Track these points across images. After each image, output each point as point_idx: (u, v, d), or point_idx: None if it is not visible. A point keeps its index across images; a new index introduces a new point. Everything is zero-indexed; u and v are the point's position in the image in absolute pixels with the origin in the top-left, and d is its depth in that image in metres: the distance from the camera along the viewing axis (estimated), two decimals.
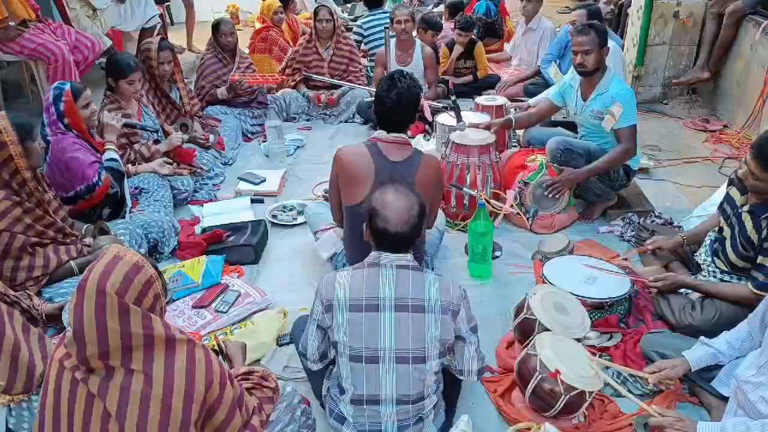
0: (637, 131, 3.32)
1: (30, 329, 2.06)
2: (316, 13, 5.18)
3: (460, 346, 1.98)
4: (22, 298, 2.32)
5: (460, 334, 1.95)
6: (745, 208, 2.40)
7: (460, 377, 2.03)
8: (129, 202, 3.32)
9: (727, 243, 2.48)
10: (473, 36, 5.68)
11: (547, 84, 4.96)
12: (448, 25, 6.08)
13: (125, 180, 3.32)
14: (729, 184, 2.61)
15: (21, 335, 2.00)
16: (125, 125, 3.47)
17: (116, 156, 3.27)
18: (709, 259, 2.69)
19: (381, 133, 2.60)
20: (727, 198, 2.57)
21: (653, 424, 1.95)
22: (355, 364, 1.89)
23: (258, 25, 6.23)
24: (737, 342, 2.11)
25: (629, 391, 2.20)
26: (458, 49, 5.55)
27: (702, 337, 2.22)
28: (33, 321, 2.29)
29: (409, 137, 4.68)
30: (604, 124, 3.30)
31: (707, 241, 2.78)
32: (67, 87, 3.05)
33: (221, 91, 4.78)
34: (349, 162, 2.57)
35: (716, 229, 2.65)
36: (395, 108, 2.52)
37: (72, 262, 2.71)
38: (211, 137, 4.22)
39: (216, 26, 4.81)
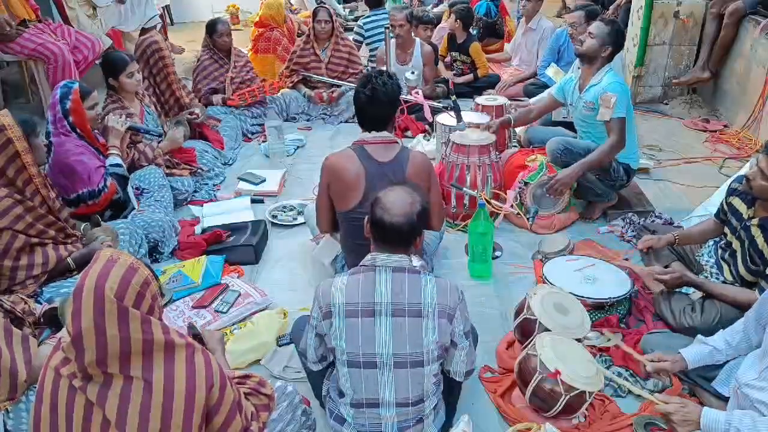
0: (626, 126, 3.28)
1: (12, 333, 2.02)
2: (315, 14, 5.18)
3: (451, 349, 1.96)
4: (4, 299, 2.30)
5: (453, 338, 1.93)
6: (754, 221, 2.39)
7: (447, 375, 2.02)
8: (134, 203, 3.32)
9: (739, 257, 2.47)
10: (470, 32, 5.70)
11: (546, 85, 4.97)
12: (448, 26, 6.09)
13: (128, 183, 3.33)
14: (730, 194, 2.59)
15: (3, 340, 1.96)
16: (129, 128, 3.48)
17: (120, 161, 3.29)
18: (712, 260, 2.68)
19: (366, 135, 2.57)
20: (731, 209, 2.55)
21: (658, 411, 1.94)
22: (353, 369, 1.88)
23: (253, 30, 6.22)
24: (734, 340, 2.11)
25: (631, 386, 2.20)
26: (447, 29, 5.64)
27: (699, 335, 2.22)
28: (17, 322, 2.24)
29: (410, 137, 4.74)
30: (600, 116, 3.28)
31: (710, 243, 2.77)
32: (76, 86, 3.07)
33: (217, 99, 4.81)
34: (339, 169, 2.53)
35: (722, 240, 2.64)
36: (369, 103, 2.50)
37: (69, 258, 2.71)
38: (197, 110, 4.23)
39: (212, 26, 4.80)
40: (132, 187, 3.38)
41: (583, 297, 2.56)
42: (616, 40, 3.32)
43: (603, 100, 3.23)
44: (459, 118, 3.68)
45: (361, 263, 1.94)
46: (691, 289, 2.62)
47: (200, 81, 4.86)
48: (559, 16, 7.91)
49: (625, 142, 3.31)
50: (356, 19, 7.51)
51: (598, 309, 2.65)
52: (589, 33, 3.35)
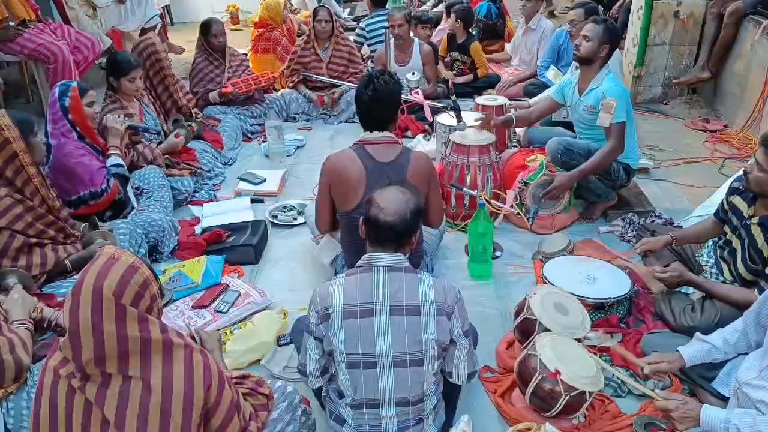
0: (626, 129, 3.28)
1: (6, 321, 2.06)
2: (315, 13, 5.17)
3: (451, 348, 1.96)
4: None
5: (453, 336, 1.93)
6: (754, 220, 2.38)
7: (449, 379, 2.01)
8: (134, 203, 3.32)
9: (738, 256, 2.46)
10: (470, 32, 5.71)
11: (545, 85, 4.97)
12: (448, 26, 6.09)
13: (128, 183, 3.34)
14: (732, 193, 2.59)
15: (5, 328, 1.99)
16: (128, 128, 3.47)
17: (121, 161, 3.30)
18: (712, 260, 2.68)
19: (367, 135, 2.57)
20: (732, 207, 2.55)
21: (658, 407, 1.94)
22: (353, 370, 1.88)
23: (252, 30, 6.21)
24: (732, 338, 2.11)
25: (633, 382, 2.20)
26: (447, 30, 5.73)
27: (698, 333, 2.21)
28: None
29: (410, 137, 4.74)
30: (600, 121, 3.28)
31: (710, 244, 2.77)
32: (74, 84, 3.09)
33: (213, 96, 4.78)
34: (340, 169, 2.53)
35: (722, 238, 2.64)
36: (372, 103, 2.50)
37: (66, 260, 2.71)
38: (194, 124, 4.20)
39: (206, 27, 4.76)
40: (132, 187, 3.38)
41: (583, 297, 2.55)
42: (611, 37, 3.31)
43: (604, 105, 3.23)
44: (459, 118, 3.68)
45: (357, 264, 1.94)
46: (691, 289, 2.62)
47: (197, 84, 4.84)
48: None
49: (624, 146, 3.31)
50: (356, 20, 7.51)
51: (598, 309, 2.65)
52: (584, 36, 3.31)
